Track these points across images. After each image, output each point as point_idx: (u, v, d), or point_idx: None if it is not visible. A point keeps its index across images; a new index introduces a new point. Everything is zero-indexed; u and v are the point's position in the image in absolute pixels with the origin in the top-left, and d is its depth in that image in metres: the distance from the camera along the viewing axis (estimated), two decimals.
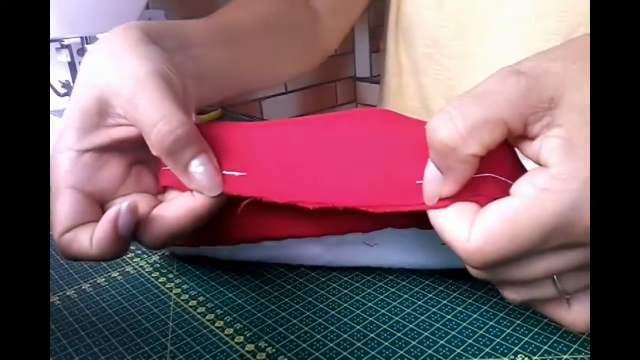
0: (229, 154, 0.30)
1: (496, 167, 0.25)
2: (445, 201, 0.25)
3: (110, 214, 0.28)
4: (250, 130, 0.32)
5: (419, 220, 0.31)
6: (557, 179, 0.22)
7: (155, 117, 0.28)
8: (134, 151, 0.32)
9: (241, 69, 0.45)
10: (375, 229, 0.33)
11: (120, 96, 0.29)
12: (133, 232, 0.29)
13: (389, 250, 0.36)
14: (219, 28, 0.42)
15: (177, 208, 0.30)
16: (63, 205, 0.29)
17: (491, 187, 0.25)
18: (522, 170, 0.27)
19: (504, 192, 0.24)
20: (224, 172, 0.30)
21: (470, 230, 0.23)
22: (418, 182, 0.26)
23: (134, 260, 0.41)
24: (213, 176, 0.29)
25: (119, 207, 0.28)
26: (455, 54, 0.59)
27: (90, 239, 0.28)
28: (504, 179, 0.25)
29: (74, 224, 0.29)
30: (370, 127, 0.30)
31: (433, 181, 0.25)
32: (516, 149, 0.26)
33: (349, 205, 0.28)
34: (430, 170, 0.25)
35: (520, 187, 0.23)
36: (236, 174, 0.29)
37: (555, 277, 0.24)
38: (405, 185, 0.27)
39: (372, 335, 0.31)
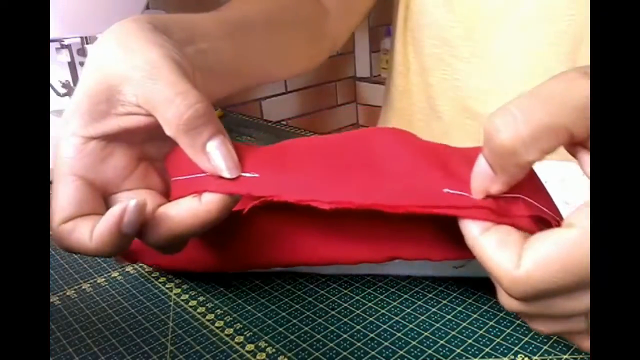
0: (241, 157, 0.29)
1: (524, 187, 0.25)
2: (478, 211, 0.24)
3: (115, 210, 0.27)
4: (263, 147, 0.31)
5: (431, 251, 0.30)
6: None
7: (171, 94, 0.27)
8: (141, 145, 0.31)
9: (249, 63, 0.44)
10: (387, 259, 0.32)
11: (133, 81, 0.28)
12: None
13: (396, 267, 0.36)
14: (227, 21, 0.41)
15: (183, 209, 0.29)
16: (65, 193, 0.28)
17: (522, 208, 0.24)
18: (544, 191, 0.26)
19: (531, 212, 0.24)
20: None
21: (521, 258, 0.22)
22: (445, 190, 0.25)
23: None
24: (232, 156, 0.28)
25: (126, 204, 0.27)
26: (463, 55, 0.59)
27: (90, 232, 0.27)
28: (531, 200, 0.25)
29: (75, 214, 0.28)
30: (389, 141, 0.29)
31: (483, 177, 0.24)
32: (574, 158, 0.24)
33: (369, 204, 0.26)
34: (482, 166, 0.24)
35: (579, 218, 0.22)
36: (248, 175, 0.28)
37: None
38: (431, 190, 0.26)
39: (372, 335, 0.31)
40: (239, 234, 0.34)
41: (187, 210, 0.28)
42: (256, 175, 0.28)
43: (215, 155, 0.28)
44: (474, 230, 0.24)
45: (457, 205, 0.24)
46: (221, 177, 0.28)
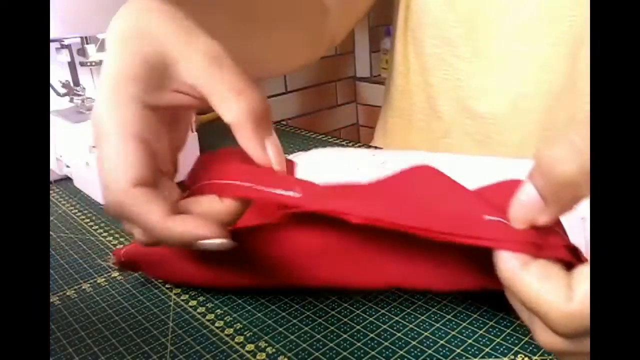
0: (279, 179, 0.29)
1: None
2: (523, 245, 0.23)
3: (202, 232, 0.27)
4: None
5: (437, 281, 0.30)
6: None
7: (240, 84, 0.28)
8: (169, 131, 0.30)
9: (250, 58, 0.44)
10: (391, 286, 0.32)
11: (194, 63, 0.28)
12: None
13: None
14: (230, 14, 0.41)
15: (205, 206, 0.29)
16: (133, 152, 0.27)
17: (558, 238, 0.23)
18: (561, 222, 0.25)
19: (564, 242, 0.23)
20: (279, 191, 0.28)
21: (573, 290, 0.21)
22: (487, 217, 0.24)
23: None
24: (281, 154, 0.29)
25: (217, 241, 0.27)
26: (465, 55, 0.59)
27: (161, 216, 0.26)
28: (559, 230, 0.24)
29: (146, 176, 0.27)
30: (426, 176, 0.28)
31: (530, 207, 0.23)
32: None
33: (401, 224, 0.25)
34: (531, 196, 0.22)
35: None
36: (290, 193, 0.28)
37: None
38: (470, 216, 0.24)
39: (372, 335, 0.31)
40: (242, 253, 0.34)
41: (211, 208, 0.29)
42: (299, 195, 0.28)
43: (270, 149, 0.29)
44: (512, 263, 0.23)
45: (501, 239, 0.23)
46: (253, 188, 0.28)
